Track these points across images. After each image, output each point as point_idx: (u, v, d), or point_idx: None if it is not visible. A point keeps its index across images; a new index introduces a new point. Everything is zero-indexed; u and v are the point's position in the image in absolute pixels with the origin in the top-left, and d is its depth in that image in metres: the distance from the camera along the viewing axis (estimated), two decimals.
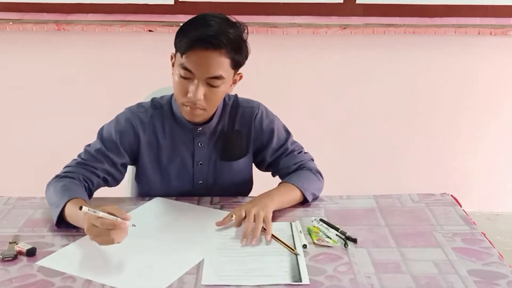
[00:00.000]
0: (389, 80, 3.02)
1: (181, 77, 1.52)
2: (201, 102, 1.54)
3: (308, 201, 1.67)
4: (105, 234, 1.32)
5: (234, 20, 1.56)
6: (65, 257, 1.38)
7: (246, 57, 1.58)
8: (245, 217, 1.48)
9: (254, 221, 1.45)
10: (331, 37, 2.90)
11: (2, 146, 3.08)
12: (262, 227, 1.45)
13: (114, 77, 2.97)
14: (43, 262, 1.36)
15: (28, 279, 1.29)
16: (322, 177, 1.77)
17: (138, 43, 2.91)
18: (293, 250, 1.40)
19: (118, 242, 1.33)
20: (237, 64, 1.56)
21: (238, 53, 1.53)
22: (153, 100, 1.71)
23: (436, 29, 2.85)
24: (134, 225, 1.36)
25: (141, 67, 2.94)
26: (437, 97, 3.05)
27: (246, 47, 1.57)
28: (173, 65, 1.59)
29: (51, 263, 1.35)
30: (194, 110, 1.56)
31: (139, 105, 1.70)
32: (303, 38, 2.90)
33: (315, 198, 1.71)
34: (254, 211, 1.47)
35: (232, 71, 1.56)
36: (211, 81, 1.52)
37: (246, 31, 1.57)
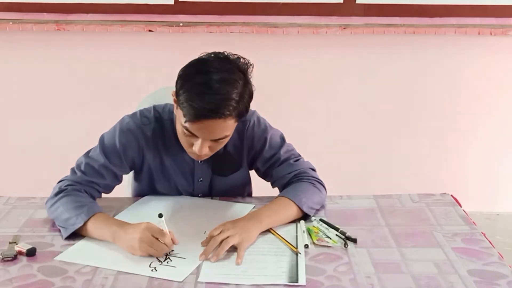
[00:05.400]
0: (389, 80, 3.02)
1: (185, 134, 1.47)
2: (206, 153, 1.51)
3: (309, 216, 1.58)
4: (159, 248, 1.36)
5: (236, 63, 1.46)
6: (82, 250, 1.41)
7: (251, 99, 1.49)
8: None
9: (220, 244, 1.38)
10: (331, 37, 2.90)
11: (2, 146, 3.08)
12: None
13: (114, 77, 2.97)
14: (60, 257, 1.38)
15: (28, 279, 1.29)
16: (323, 186, 1.67)
17: (138, 43, 2.91)
18: (295, 249, 1.40)
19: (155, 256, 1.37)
20: (241, 116, 1.49)
21: (243, 109, 1.46)
22: (155, 110, 1.65)
23: (436, 29, 2.85)
24: (173, 250, 1.40)
25: (141, 67, 2.94)
26: (437, 97, 3.05)
27: (250, 92, 1.48)
28: (174, 102, 1.50)
29: (69, 257, 1.37)
30: (201, 157, 1.53)
31: (142, 115, 1.63)
32: (303, 38, 2.90)
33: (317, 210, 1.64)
34: (226, 235, 1.39)
35: (236, 123, 1.50)
36: (216, 140, 1.48)
37: (250, 69, 1.48)
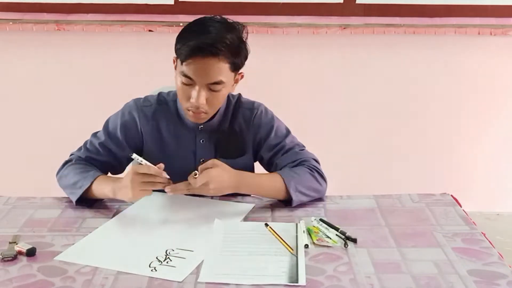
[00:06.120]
0: (389, 80, 3.02)
1: (183, 83, 1.56)
2: (204, 106, 1.58)
3: (291, 199, 1.59)
4: (151, 179, 1.46)
5: (232, 22, 1.59)
6: (82, 250, 1.42)
7: (246, 58, 1.61)
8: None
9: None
10: (331, 37, 2.90)
11: (2, 146, 3.08)
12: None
13: (114, 77, 2.97)
14: (60, 257, 1.38)
15: (28, 279, 1.29)
16: (323, 179, 1.70)
17: (138, 43, 2.91)
18: (292, 250, 1.40)
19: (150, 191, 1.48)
20: (236, 67, 1.58)
21: (237, 57, 1.56)
22: (159, 94, 1.75)
23: (436, 29, 2.86)
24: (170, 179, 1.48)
25: (141, 67, 2.95)
26: (437, 97, 3.05)
27: (245, 48, 1.59)
28: (175, 68, 1.62)
29: (69, 257, 1.38)
30: (198, 114, 1.61)
31: (146, 98, 1.75)
32: (303, 38, 2.90)
33: (316, 199, 1.66)
34: (206, 177, 1.49)
35: (232, 74, 1.59)
36: (212, 86, 1.56)
37: (245, 31, 1.59)
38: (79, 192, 1.59)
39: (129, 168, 1.74)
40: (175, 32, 2.96)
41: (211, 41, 1.49)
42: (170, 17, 2.84)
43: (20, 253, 1.38)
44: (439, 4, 2.84)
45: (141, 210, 1.63)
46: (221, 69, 1.53)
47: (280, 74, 2.95)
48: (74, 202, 1.61)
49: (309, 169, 1.68)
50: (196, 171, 1.50)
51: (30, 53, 2.96)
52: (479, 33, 2.87)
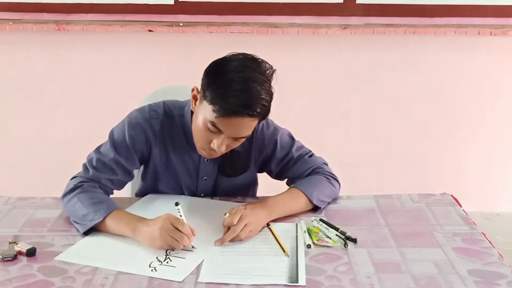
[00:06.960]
0: (389, 80, 3.02)
1: (208, 130, 1.47)
2: (222, 151, 1.52)
3: (319, 208, 1.63)
4: (179, 238, 1.38)
5: (265, 67, 1.48)
6: (82, 250, 1.42)
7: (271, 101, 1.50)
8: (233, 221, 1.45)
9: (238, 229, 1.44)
10: (331, 37, 2.90)
11: (2, 146, 3.08)
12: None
13: (114, 77, 2.97)
14: (60, 257, 1.38)
15: (28, 279, 1.29)
16: (337, 181, 1.73)
17: (138, 43, 2.91)
18: (285, 251, 1.40)
19: (175, 248, 1.40)
20: (265, 117, 1.52)
21: (267, 111, 1.49)
22: (165, 105, 1.65)
23: (436, 29, 2.86)
24: (194, 247, 1.41)
25: (141, 67, 2.95)
26: (437, 97, 3.05)
27: (272, 94, 1.48)
28: (194, 98, 1.53)
29: (69, 257, 1.38)
30: (212, 155, 1.55)
31: (151, 108, 1.64)
32: (303, 38, 2.90)
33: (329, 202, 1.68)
34: (243, 224, 1.44)
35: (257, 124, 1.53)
36: (237, 138, 1.50)
37: (272, 73, 1.50)
38: (89, 225, 1.48)
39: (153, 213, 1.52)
40: (175, 32, 2.98)
41: (250, 104, 1.41)
42: (170, 17, 2.84)
43: (20, 253, 1.38)
44: (439, 4, 2.84)
45: (141, 210, 1.63)
46: (252, 126, 1.48)
47: (280, 74, 2.94)
48: (80, 233, 1.49)
49: (324, 176, 1.70)
50: (226, 212, 1.47)
51: (30, 53, 2.95)
52: (479, 33, 2.87)
